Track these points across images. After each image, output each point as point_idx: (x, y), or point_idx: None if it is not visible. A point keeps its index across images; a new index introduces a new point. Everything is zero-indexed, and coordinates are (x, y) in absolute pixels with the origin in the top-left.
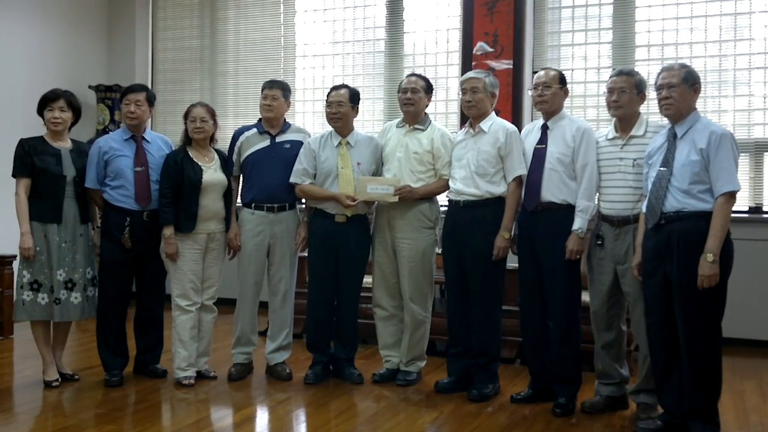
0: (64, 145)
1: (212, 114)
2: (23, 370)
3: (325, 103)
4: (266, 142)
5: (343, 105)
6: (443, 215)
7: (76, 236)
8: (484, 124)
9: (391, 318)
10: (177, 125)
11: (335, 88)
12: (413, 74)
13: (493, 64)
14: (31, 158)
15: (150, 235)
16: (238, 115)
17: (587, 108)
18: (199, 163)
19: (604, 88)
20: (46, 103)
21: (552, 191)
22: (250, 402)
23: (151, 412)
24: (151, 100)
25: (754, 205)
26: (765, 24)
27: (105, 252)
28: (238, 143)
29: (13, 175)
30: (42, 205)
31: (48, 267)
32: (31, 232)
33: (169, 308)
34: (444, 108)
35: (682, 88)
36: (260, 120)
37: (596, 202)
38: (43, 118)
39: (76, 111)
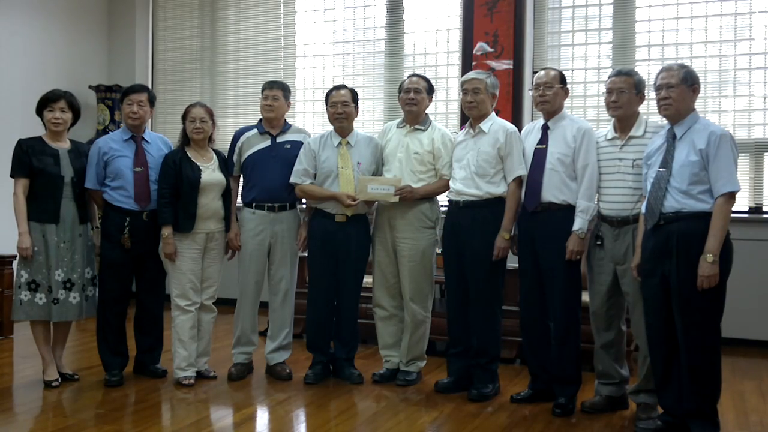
0: (63, 145)
1: (211, 114)
2: (23, 370)
3: (326, 103)
4: (267, 143)
5: (348, 104)
6: (443, 215)
7: (74, 236)
8: (484, 125)
9: (391, 318)
10: (177, 125)
11: (336, 88)
12: (415, 74)
13: (493, 64)
14: (29, 158)
15: (149, 235)
16: (238, 115)
17: (587, 108)
18: (198, 163)
19: (603, 89)
20: (46, 103)
21: (552, 192)
22: (250, 402)
23: (151, 412)
24: (152, 101)
25: (754, 205)
26: (765, 24)
27: (105, 252)
28: (238, 143)
29: (11, 176)
30: (40, 205)
31: (46, 267)
32: (29, 232)
33: (168, 308)
34: (444, 108)
35: (681, 89)
36: (261, 120)
37: (596, 203)
38: (43, 119)
39: (76, 112)
